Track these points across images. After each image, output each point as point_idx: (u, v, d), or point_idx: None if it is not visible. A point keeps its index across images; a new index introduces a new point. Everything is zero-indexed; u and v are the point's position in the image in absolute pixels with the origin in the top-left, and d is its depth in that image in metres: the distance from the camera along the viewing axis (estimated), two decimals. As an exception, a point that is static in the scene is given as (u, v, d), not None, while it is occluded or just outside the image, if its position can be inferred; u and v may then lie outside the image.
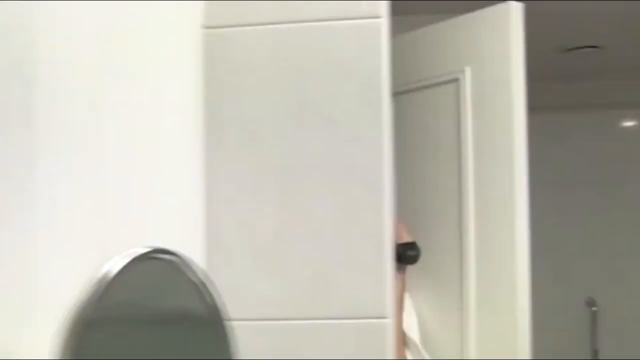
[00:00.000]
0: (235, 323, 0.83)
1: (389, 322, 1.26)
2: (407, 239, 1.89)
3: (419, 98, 2.19)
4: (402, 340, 1.95)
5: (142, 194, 1.07)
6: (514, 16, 1.96)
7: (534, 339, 4.34)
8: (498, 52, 1.98)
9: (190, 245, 1.25)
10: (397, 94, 2.23)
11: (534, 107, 4.29)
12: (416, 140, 2.21)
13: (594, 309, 4.51)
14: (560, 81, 4.35)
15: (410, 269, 1.91)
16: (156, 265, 0.72)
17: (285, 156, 1.30)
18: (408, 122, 2.22)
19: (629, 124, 4.64)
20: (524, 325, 1.96)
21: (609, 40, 3.70)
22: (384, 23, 1.31)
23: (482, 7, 2.01)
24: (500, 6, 1.97)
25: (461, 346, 1.99)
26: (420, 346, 1.96)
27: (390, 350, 1.24)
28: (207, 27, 1.32)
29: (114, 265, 0.65)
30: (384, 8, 1.32)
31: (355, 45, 1.30)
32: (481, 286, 1.94)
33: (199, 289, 0.79)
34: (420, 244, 1.91)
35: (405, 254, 1.87)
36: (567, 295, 4.55)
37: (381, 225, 1.28)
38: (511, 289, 1.95)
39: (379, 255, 1.28)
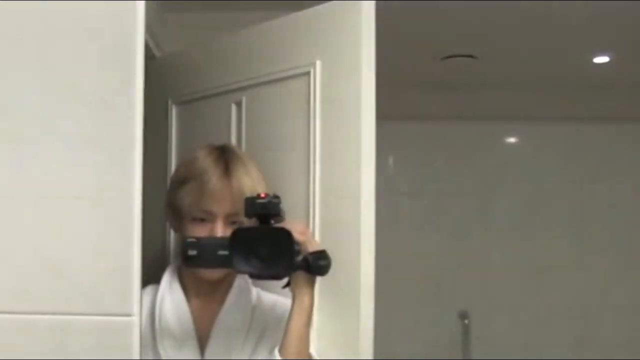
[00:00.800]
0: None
1: (135, 320, 1.14)
2: (316, 247, 1.74)
3: (270, 92, 2.11)
4: None
5: None
6: (365, 10, 1.88)
7: (408, 350, 4.38)
8: (348, 46, 1.91)
9: None
10: (249, 87, 2.17)
11: (406, 114, 4.35)
12: (267, 135, 2.13)
13: (466, 321, 4.52)
14: (436, 90, 4.35)
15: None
16: None
17: (23, 124, 1.16)
18: (260, 117, 2.15)
19: (507, 136, 4.67)
20: (366, 328, 1.85)
21: (484, 50, 3.70)
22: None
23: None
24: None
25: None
26: None
27: (136, 350, 1.12)
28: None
29: None
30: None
31: (106, 13, 1.17)
32: (324, 291, 1.84)
33: None
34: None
35: (317, 264, 1.72)
36: (440, 308, 4.55)
37: (129, 210, 1.16)
38: (356, 294, 1.86)
39: (126, 244, 1.15)
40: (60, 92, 1.16)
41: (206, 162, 1.91)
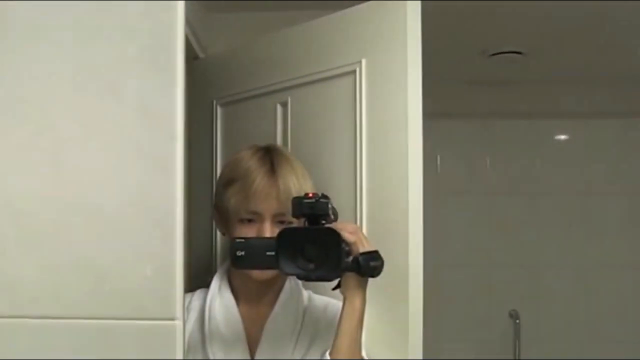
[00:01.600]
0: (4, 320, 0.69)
1: (179, 324, 1.12)
2: (368, 247, 1.68)
3: (316, 91, 2.10)
4: None
5: None
6: (411, 7, 1.86)
7: (458, 350, 4.35)
8: (394, 44, 1.89)
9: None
10: (294, 87, 2.16)
11: (454, 112, 4.32)
12: (313, 134, 2.12)
13: (517, 321, 4.47)
14: (484, 87, 4.31)
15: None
16: None
17: (61, 126, 1.14)
18: (305, 117, 2.14)
19: (556, 134, 4.61)
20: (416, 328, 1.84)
21: (533, 47, 3.65)
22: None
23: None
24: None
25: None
26: None
27: (180, 355, 1.11)
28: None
29: None
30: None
31: (145, 11, 1.14)
32: (373, 291, 1.82)
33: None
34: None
35: (368, 265, 1.66)
36: (491, 308, 4.51)
37: (172, 212, 1.13)
38: (405, 293, 1.84)
39: (169, 247, 1.13)
40: (99, 94, 1.14)
41: (251, 162, 1.90)
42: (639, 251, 4.45)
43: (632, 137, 4.48)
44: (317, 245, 1.60)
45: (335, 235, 1.59)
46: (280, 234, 1.62)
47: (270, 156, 1.91)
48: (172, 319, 1.12)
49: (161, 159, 1.13)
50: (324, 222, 1.66)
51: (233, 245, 1.66)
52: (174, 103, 1.13)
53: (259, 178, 1.86)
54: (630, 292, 4.44)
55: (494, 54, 3.72)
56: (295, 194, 1.81)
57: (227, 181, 1.92)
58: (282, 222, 1.86)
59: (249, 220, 1.86)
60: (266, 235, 1.82)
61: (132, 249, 1.12)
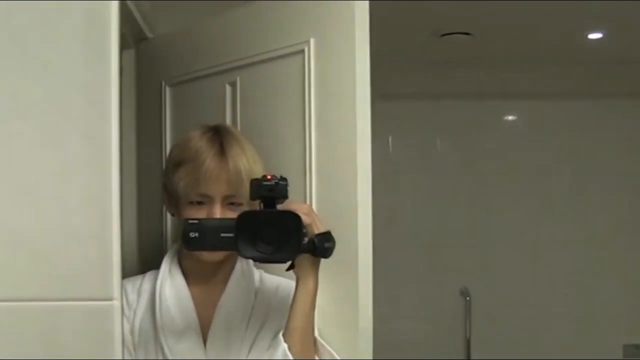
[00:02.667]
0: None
1: (117, 304, 1.12)
2: (322, 228, 1.68)
3: (265, 71, 2.09)
4: (314, 347, 1.79)
5: None
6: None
7: (409, 328, 4.38)
8: (343, 24, 1.88)
9: None
10: (243, 66, 2.15)
11: (405, 93, 4.34)
12: (263, 114, 2.11)
13: (467, 298, 4.53)
14: (434, 68, 4.34)
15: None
16: None
17: None
18: (255, 96, 2.14)
19: (505, 114, 4.66)
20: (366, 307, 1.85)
21: (482, 28, 3.68)
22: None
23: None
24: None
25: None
26: (335, 355, 1.79)
27: (118, 335, 1.10)
28: None
29: None
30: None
31: None
32: (323, 272, 1.82)
33: None
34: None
35: (323, 246, 1.65)
36: (442, 286, 4.56)
37: (108, 191, 1.12)
38: (354, 272, 1.85)
39: (106, 226, 1.12)
40: (33, 69, 1.13)
41: (201, 143, 1.87)
42: (585, 228, 4.52)
43: (578, 118, 4.55)
44: (276, 228, 1.59)
45: (297, 219, 1.59)
46: (240, 218, 1.60)
47: (220, 137, 1.89)
48: (110, 299, 1.11)
49: (97, 136, 1.11)
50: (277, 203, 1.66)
51: (186, 226, 1.64)
52: (108, 78, 1.12)
53: (209, 160, 1.84)
54: (578, 267, 4.52)
55: (444, 35, 3.74)
56: (245, 175, 1.81)
57: (176, 163, 1.89)
58: (232, 204, 1.85)
59: (199, 203, 1.85)
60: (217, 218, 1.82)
61: (67, 229, 1.11)
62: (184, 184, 1.85)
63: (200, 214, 1.83)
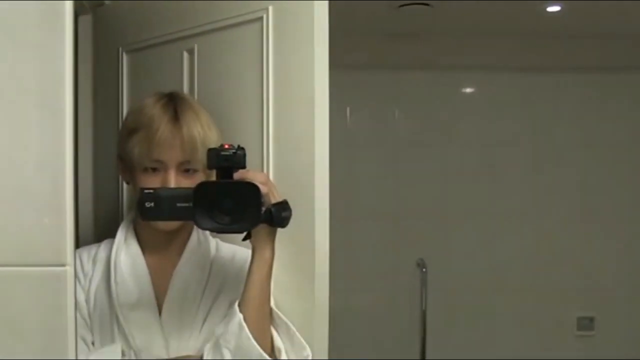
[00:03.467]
0: None
1: (70, 270, 1.11)
2: (279, 198, 1.68)
3: (223, 38, 2.08)
4: (270, 317, 1.79)
5: None
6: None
7: (365, 299, 4.41)
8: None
9: None
10: (201, 34, 2.13)
11: (363, 64, 4.33)
12: (220, 82, 2.10)
13: (424, 270, 4.55)
14: (393, 39, 4.33)
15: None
16: None
17: None
18: (212, 64, 2.12)
19: (463, 86, 4.67)
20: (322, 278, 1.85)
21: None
22: None
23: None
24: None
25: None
26: (291, 326, 1.80)
27: (71, 301, 1.09)
28: None
29: None
30: None
31: None
32: (279, 241, 1.81)
33: None
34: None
35: (280, 215, 1.65)
36: (398, 257, 4.58)
37: (61, 155, 1.10)
38: (311, 242, 1.85)
39: (59, 191, 1.10)
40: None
41: (154, 110, 1.86)
42: (541, 201, 4.57)
43: (535, 90, 4.58)
44: (234, 199, 1.58)
45: (255, 190, 1.58)
46: (197, 188, 1.59)
47: (174, 103, 1.88)
48: (63, 265, 1.10)
49: (49, 100, 1.09)
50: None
51: (141, 196, 1.62)
52: (62, 42, 1.10)
53: (163, 126, 1.82)
54: (533, 240, 4.58)
55: (402, 5, 3.74)
56: (199, 142, 1.80)
57: (130, 130, 1.88)
58: (187, 171, 1.84)
59: (153, 170, 1.83)
60: (171, 185, 1.80)
61: (21, 194, 1.10)
62: (138, 151, 1.83)
63: (154, 181, 1.82)
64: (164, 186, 1.80)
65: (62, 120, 1.10)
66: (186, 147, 1.82)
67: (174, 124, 1.84)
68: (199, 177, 1.82)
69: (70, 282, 1.08)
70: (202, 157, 1.76)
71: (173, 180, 1.81)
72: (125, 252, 1.90)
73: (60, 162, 1.10)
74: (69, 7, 1.11)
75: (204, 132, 1.85)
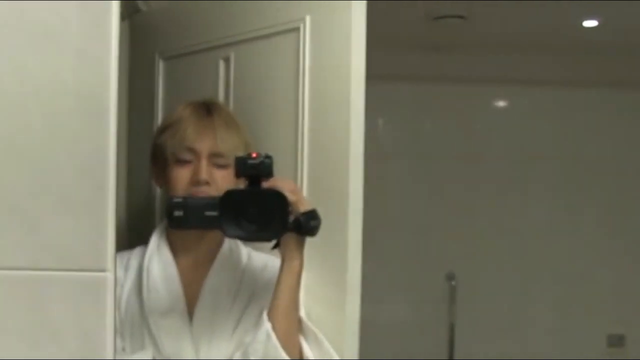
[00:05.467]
0: None
1: (109, 276, 1.11)
2: (307, 206, 1.68)
3: (259, 48, 2.08)
4: (298, 327, 1.79)
5: None
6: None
7: (395, 310, 4.39)
8: (339, 2, 1.88)
9: None
10: (237, 42, 2.14)
11: (396, 75, 4.33)
12: (256, 92, 2.11)
13: (452, 282, 4.54)
14: (427, 51, 4.32)
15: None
16: None
17: None
18: (248, 73, 2.13)
19: (496, 100, 4.66)
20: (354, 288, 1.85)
21: (475, 11, 3.67)
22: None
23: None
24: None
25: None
26: (320, 335, 1.79)
27: (110, 307, 1.09)
28: None
29: None
30: None
31: None
32: (311, 251, 1.81)
33: None
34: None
35: (308, 225, 1.65)
36: (427, 269, 4.57)
37: (104, 161, 1.11)
38: (344, 253, 1.84)
39: (101, 196, 1.11)
40: (33, 36, 1.11)
41: (187, 110, 1.92)
42: (572, 216, 4.54)
43: (568, 106, 4.55)
44: (261, 207, 1.58)
45: (282, 198, 1.59)
46: (224, 197, 1.60)
47: (207, 105, 1.94)
48: (103, 271, 1.11)
49: (93, 104, 1.10)
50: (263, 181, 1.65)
51: (170, 205, 1.64)
52: (107, 45, 1.11)
53: (195, 117, 1.88)
54: (565, 255, 4.54)
55: (437, 18, 3.73)
56: (233, 134, 1.87)
57: (162, 129, 1.94)
58: (218, 166, 1.85)
59: (185, 162, 1.86)
60: (202, 176, 1.83)
61: (63, 198, 1.10)
62: (170, 142, 1.87)
63: (186, 172, 1.85)
64: (195, 177, 1.83)
65: (106, 125, 1.10)
66: (217, 137, 1.86)
67: (206, 116, 1.90)
68: (230, 174, 1.80)
69: (110, 288, 1.09)
70: (232, 151, 1.81)
71: (204, 170, 1.83)
72: (157, 259, 1.91)
73: (104, 167, 1.11)
74: (115, 9, 1.12)
75: (237, 126, 1.92)
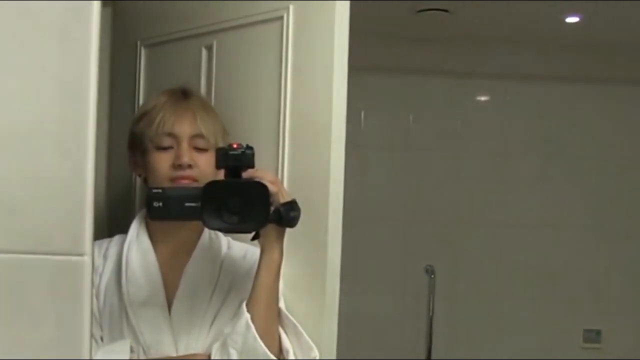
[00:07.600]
0: None
1: (87, 260, 1.10)
2: (287, 197, 1.67)
3: (242, 36, 2.08)
4: (277, 318, 1.78)
5: None
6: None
7: (374, 303, 4.40)
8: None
9: None
10: (220, 30, 2.13)
11: (379, 67, 4.32)
12: (238, 80, 2.10)
13: (432, 277, 4.54)
14: (410, 43, 4.32)
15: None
16: None
17: None
18: (231, 62, 2.12)
19: (478, 94, 4.66)
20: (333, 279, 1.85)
21: (459, 5, 3.67)
22: None
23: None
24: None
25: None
26: (299, 327, 1.79)
27: (87, 291, 1.08)
28: None
29: None
30: None
31: None
32: (291, 242, 1.80)
33: None
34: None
35: (289, 216, 1.64)
36: (407, 263, 4.57)
37: (83, 144, 1.09)
38: (324, 244, 1.84)
39: (80, 180, 1.09)
40: (13, 21, 1.10)
41: (163, 96, 1.93)
42: (551, 210, 4.55)
43: (550, 100, 4.56)
44: (242, 199, 1.58)
45: (264, 189, 1.58)
46: (205, 188, 1.59)
47: (182, 89, 1.96)
48: (81, 255, 1.10)
49: (73, 86, 1.09)
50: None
51: (149, 195, 1.62)
52: (88, 28, 1.09)
53: (171, 102, 1.89)
54: (543, 250, 4.56)
55: (420, 10, 3.73)
56: (210, 116, 1.89)
57: (138, 118, 1.94)
58: (199, 149, 1.85)
59: (165, 148, 1.86)
60: (184, 160, 1.82)
61: (40, 181, 1.09)
62: (148, 129, 1.87)
63: (168, 158, 1.85)
64: (178, 160, 1.83)
65: (86, 108, 1.09)
66: (196, 120, 1.87)
67: (183, 100, 1.91)
68: (211, 157, 1.79)
69: (88, 272, 1.08)
70: (213, 133, 1.83)
71: (186, 154, 1.83)
72: (136, 248, 1.90)
73: (82, 150, 1.09)
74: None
75: (214, 112, 1.93)
